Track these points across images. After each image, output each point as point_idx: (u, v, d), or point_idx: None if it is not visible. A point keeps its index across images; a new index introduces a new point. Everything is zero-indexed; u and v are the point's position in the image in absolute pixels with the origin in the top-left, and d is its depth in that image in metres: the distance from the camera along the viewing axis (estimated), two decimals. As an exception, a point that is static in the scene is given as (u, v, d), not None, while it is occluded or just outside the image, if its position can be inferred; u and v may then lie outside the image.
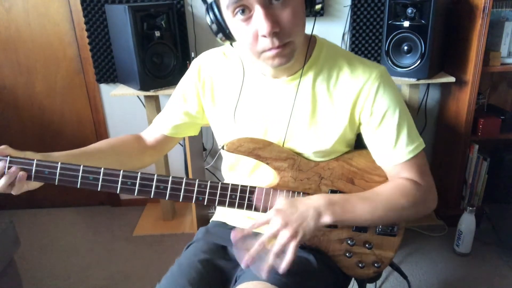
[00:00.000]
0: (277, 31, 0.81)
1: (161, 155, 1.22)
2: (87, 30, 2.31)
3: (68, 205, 2.77)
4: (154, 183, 0.93)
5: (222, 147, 1.00)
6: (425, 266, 2.12)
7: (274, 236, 0.85)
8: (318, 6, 0.90)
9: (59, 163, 0.91)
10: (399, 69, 2.06)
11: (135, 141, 1.15)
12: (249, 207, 0.97)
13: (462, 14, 2.10)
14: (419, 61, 2.02)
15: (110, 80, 2.44)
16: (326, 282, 1.00)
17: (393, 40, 2.05)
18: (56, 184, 0.92)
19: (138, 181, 0.92)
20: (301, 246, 1.02)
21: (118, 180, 0.92)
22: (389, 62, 2.08)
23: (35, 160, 0.91)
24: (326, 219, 0.88)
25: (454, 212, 2.34)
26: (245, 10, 0.81)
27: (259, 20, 0.80)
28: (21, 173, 0.91)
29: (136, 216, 2.65)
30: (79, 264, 2.22)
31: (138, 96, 2.43)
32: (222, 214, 1.21)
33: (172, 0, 2.20)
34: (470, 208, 2.09)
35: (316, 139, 0.98)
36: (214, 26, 0.87)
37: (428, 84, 2.41)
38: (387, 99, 0.94)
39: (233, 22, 0.84)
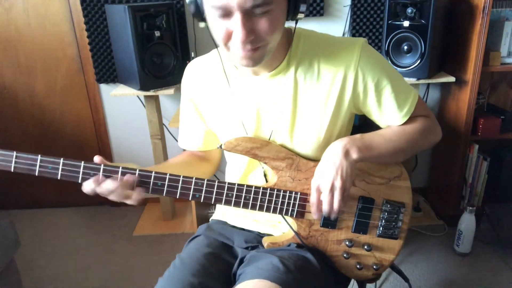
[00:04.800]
0: (252, 38, 0.82)
1: (218, 162, 1.25)
2: (87, 30, 2.31)
3: (68, 205, 2.77)
4: (152, 180, 0.94)
5: (220, 146, 1.00)
6: (425, 266, 2.12)
7: (320, 194, 0.92)
8: (300, 15, 0.88)
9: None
10: (399, 69, 2.06)
11: (194, 156, 1.21)
12: (246, 205, 0.98)
13: (462, 14, 2.10)
14: (419, 61, 2.02)
15: (110, 80, 2.44)
16: (326, 280, 1.00)
17: (393, 40, 2.05)
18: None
19: (136, 178, 0.93)
20: (299, 245, 1.02)
21: (117, 177, 0.92)
22: (389, 61, 2.08)
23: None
24: (354, 155, 0.91)
25: (454, 212, 2.33)
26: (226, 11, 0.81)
27: (236, 26, 0.80)
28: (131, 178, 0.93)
29: (136, 216, 2.65)
30: (79, 264, 2.22)
31: (138, 96, 2.43)
32: (221, 213, 1.22)
33: (172, 0, 2.20)
34: (470, 208, 2.09)
35: (307, 133, 0.99)
36: (192, 8, 0.87)
37: (428, 84, 2.41)
38: (375, 70, 0.95)
39: (211, 13, 0.83)
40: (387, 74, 0.97)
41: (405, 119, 1.00)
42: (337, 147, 0.91)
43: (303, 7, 0.86)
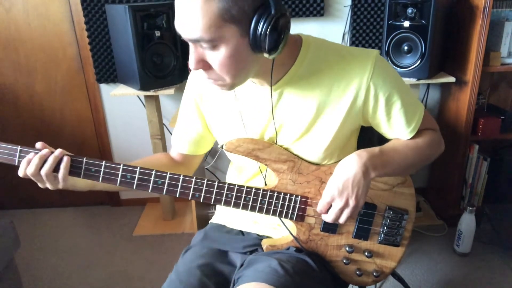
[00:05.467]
0: (202, 68, 0.82)
1: (193, 170, 1.23)
2: (87, 30, 2.31)
3: (68, 205, 2.77)
4: (152, 178, 0.94)
5: (221, 147, 1.00)
6: (425, 266, 2.12)
7: (329, 206, 0.93)
8: (266, 55, 0.81)
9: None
10: (399, 69, 2.06)
11: (167, 158, 1.18)
12: (245, 206, 0.97)
13: (462, 14, 2.10)
14: (419, 61, 2.02)
15: (110, 80, 2.44)
16: (325, 283, 1.00)
17: (393, 40, 2.04)
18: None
19: (137, 175, 0.94)
20: (298, 249, 1.02)
21: (118, 173, 0.93)
22: (389, 62, 2.08)
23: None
24: (372, 173, 0.91)
25: (454, 212, 2.34)
26: None
27: (190, 53, 0.81)
28: (65, 157, 0.92)
29: (136, 216, 2.66)
30: (79, 264, 2.22)
31: (138, 96, 2.43)
32: (221, 215, 1.21)
33: (172, 0, 2.20)
34: (470, 208, 2.09)
35: (313, 141, 0.98)
36: None
37: (428, 84, 2.40)
38: (387, 85, 0.94)
39: None
40: (398, 88, 0.95)
41: (412, 134, 1.00)
42: (357, 163, 0.90)
43: (267, 46, 0.78)
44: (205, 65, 0.82)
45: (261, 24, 0.76)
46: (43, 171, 0.90)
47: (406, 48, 2.04)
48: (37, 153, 0.91)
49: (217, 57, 0.80)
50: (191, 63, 0.81)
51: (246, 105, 1.01)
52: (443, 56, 2.25)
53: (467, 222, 2.12)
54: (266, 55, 0.81)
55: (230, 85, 0.86)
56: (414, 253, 2.21)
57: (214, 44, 0.78)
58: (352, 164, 0.90)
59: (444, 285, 2.00)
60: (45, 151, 0.91)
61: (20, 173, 0.91)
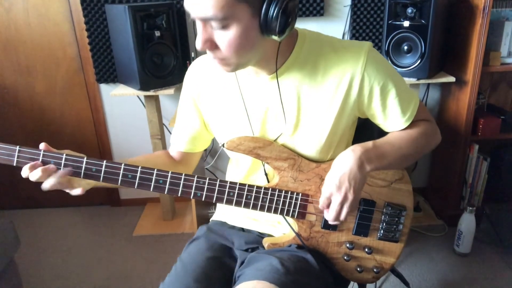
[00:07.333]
0: (208, 49, 0.82)
1: (192, 168, 1.23)
2: (87, 30, 2.31)
3: (68, 205, 2.77)
4: (154, 177, 0.94)
5: (222, 145, 1.00)
6: (425, 266, 2.12)
7: (329, 203, 0.93)
8: (275, 37, 0.82)
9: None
10: (399, 69, 2.06)
11: (167, 156, 1.18)
12: (247, 205, 0.98)
13: (462, 14, 2.10)
14: (419, 61, 2.02)
15: (110, 80, 2.44)
16: (326, 281, 1.00)
17: (393, 40, 2.04)
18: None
19: (138, 175, 0.93)
20: (299, 246, 1.02)
21: (119, 173, 0.93)
22: (389, 62, 2.08)
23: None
24: (368, 167, 0.92)
25: (454, 212, 2.34)
26: None
27: (198, 33, 0.81)
28: (67, 169, 0.91)
29: (136, 216, 2.65)
30: (79, 264, 2.22)
31: (138, 96, 2.43)
32: (221, 213, 1.21)
33: (172, 0, 2.20)
34: (470, 208, 2.09)
35: (309, 135, 0.99)
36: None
37: (428, 84, 2.41)
38: (381, 74, 0.95)
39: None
40: (392, 78, 0.97)
41: (408, 123, 1.00)
42: (352, 157, 0.91)
43: (277, 27, 0.80)
44: (212, 45, 0.83)
45: (273, 5, 0.78)
46: (46, 185, 0.90)
47: (406, 48, 2.05)
48: (38, 153, 0.91)
49: (226, 37, 0.80)
50: (198, 42, 0.81)
51: (243, 97, 1.01)
52: (443, 56, 2.26)
53: (467, 222, 2.12)
54: (274, 37, 0.82)
55: (235, 66, 0.87)
56: (414, 253, 2.21)
57: (225, 23, 0.78)
58: (347, 159, 0.91)
59: (444, 285, 2.00)
60: (51, 166, 0.90)
61: (24, 174, 0.91)
